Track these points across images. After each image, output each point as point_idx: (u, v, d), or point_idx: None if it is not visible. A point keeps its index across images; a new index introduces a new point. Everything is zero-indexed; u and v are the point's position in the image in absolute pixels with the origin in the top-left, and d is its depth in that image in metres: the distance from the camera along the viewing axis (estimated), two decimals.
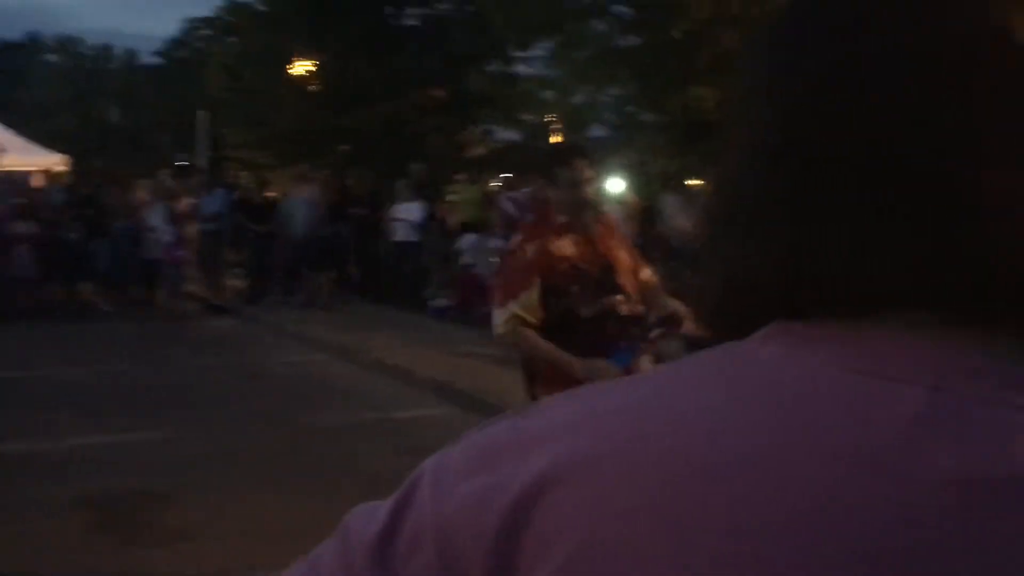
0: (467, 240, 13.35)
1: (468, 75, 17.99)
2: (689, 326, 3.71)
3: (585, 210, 3.65)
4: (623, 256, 3.74)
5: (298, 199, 13.57)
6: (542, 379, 3.65)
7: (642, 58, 10.01)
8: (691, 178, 11.25)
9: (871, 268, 0.46)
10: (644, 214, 12.07)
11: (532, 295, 3.58)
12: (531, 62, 16.05)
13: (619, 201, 11.75)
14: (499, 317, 3.61)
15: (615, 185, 12.03)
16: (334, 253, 13.70)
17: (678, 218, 11.59)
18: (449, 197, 14.43)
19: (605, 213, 3.96)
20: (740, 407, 0.46)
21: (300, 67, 18.87)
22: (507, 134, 20.21)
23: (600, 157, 15.47)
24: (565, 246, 3.62)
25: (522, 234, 3.78)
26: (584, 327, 3.61)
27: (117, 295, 13.42)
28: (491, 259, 12.50)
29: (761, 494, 0.44)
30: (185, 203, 12.93)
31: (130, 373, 9.12)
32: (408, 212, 13.08)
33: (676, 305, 3.72)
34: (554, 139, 21.18)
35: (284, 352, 10.59)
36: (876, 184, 0.46)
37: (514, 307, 3.58)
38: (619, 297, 3.62)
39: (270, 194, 15.75)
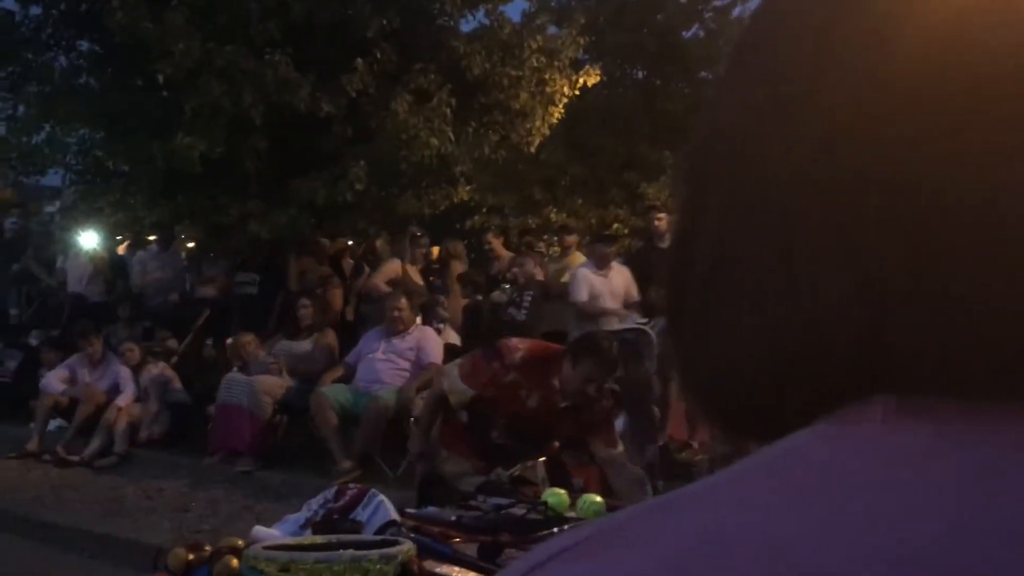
0: None
1: None
2: None
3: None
4: None
5: None
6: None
7: (115, 100, 9.16)
8: (170, 231, 10.59)
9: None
10: (112, 269, 11.06)
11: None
12: None
13: (89, 257, 10.65)
14: (463, 386, 4.17)
15: (87, 239, 10.83)
16: None
17: (151, 273, 10.82)
18: None
19: None
20: (950, 516, 0.32)
21: None
22: None
23: (61, 205, 13.91)
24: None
25: (527, 382, 4.11)
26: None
27: None
28: None
29: None
30: None
31: None
32: None
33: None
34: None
35: None
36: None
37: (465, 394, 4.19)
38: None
39: None
